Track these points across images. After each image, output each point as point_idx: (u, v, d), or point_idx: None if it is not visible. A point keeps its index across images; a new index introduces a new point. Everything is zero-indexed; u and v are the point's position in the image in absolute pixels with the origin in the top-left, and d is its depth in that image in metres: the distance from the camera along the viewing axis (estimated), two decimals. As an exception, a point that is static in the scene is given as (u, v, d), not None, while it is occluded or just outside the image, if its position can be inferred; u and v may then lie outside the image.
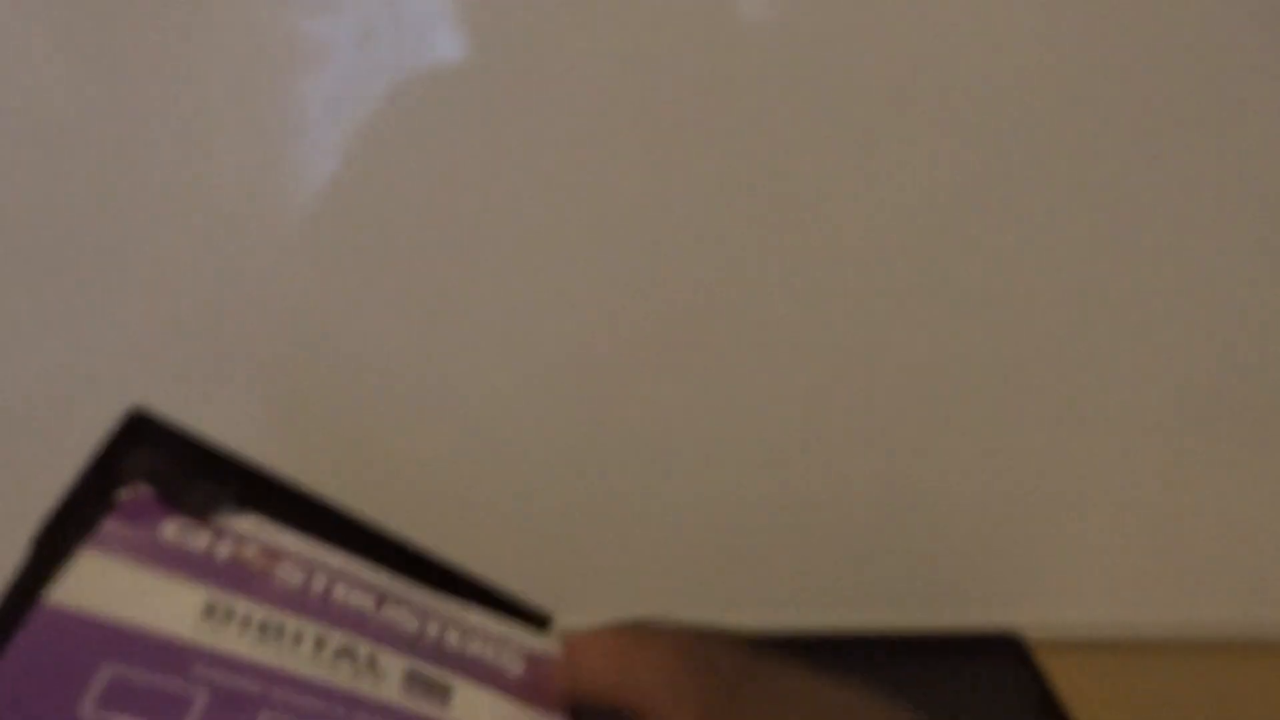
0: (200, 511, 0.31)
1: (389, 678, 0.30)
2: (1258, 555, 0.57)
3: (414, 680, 0.31)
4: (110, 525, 0.29)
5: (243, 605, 0.29)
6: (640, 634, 0.28)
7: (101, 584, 0.28)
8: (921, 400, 0.55)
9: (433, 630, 0.32)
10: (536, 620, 0.36)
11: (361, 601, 0.32)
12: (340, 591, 0.32)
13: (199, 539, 0.30)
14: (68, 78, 0.50)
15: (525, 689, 0.32)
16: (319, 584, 0.32)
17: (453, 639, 0.32)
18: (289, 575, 0.31)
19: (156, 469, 0.31)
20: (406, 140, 0.51)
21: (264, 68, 0.49)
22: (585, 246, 0.53)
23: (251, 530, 0.32)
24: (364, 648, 0.30)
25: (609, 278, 0.53)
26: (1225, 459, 0.55)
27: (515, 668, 0.33)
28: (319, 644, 0.30)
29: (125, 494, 0.30)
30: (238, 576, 0.30)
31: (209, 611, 0.29)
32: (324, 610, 0.31)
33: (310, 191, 0.51)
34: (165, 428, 0.31)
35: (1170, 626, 0.58)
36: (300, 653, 0.29)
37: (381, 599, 0.32)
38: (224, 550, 0.31)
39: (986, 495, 0.57)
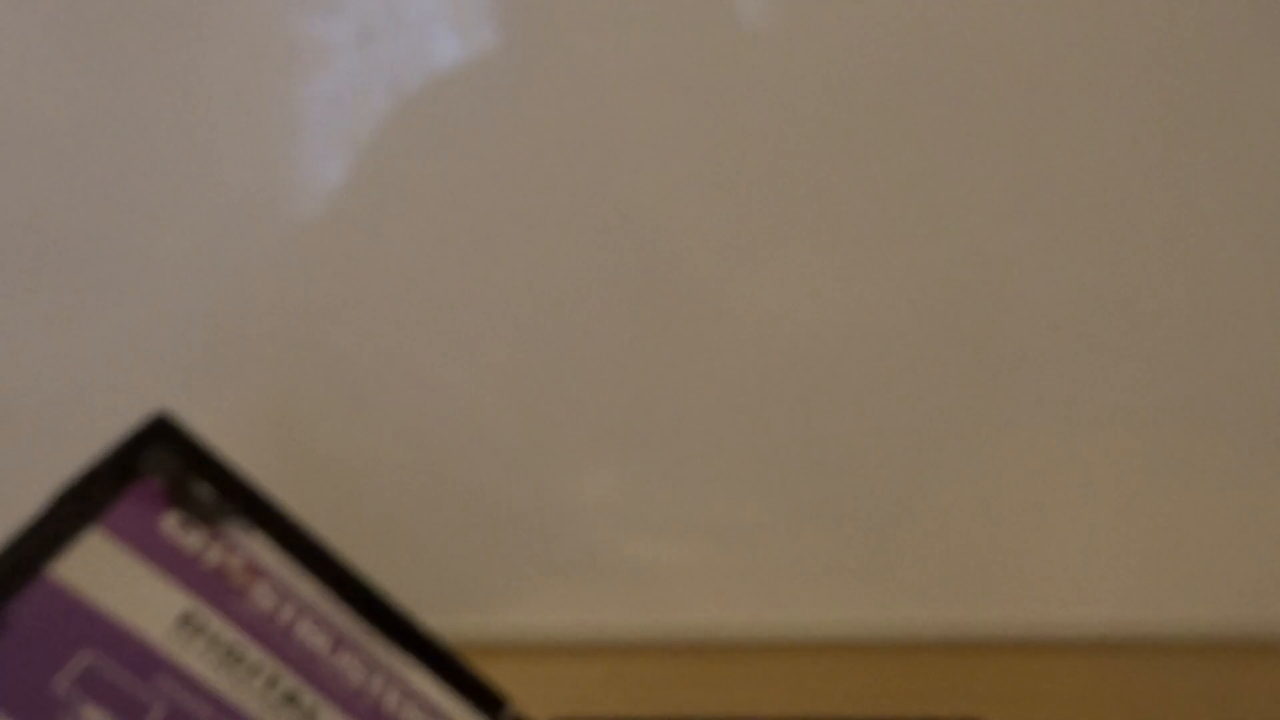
0: (201, 513, 0.33)
1: None
2: (1258, 555, 0.57)
3: None
4: (120, 509, 0.31)
5: (215, 623, 0.31)
6: None
7: (100, 569, 0.29)
8: (921, 398, 0.55)
9: (376, 686, 0.34)
10: (491, 701, 0.37)
11: (319, 642, 0.34)
12: (303, 629, 0.34)
13: (194, 539, 0.32)
14: (68, 79, 0.51)
15: None
16: (286, 614, 0.34)
17: (392, 701, 0.34)
18: (263, 598, 0.33)
19: (170, 467, 0.33)
20: (408, 141, 0.51)
21: (264, 68, 0.50)
22: (591, 251, 0.53)
23: (241, 543, 0.33)
24: (308, 697, 0.32)
25: (615, 282, 0.53)
26: (1226, 458, 0.55)
27: None
28: (270, 683, 0.31)
29: (138, 483, 0.32)
30: (217, 589, 0.32)
31: (184, 621, 0.31)
32: (284, 645, 0.32)
33: (311, 192, 0.52)
34: (184, 434, 0.34)
35: (1170, 626, 0.58)
36: (252, 688, 0.31)
37: (339, 642, 0.34)
38: (213, 556, 0.32)
39: (984, 494, 0.57)
